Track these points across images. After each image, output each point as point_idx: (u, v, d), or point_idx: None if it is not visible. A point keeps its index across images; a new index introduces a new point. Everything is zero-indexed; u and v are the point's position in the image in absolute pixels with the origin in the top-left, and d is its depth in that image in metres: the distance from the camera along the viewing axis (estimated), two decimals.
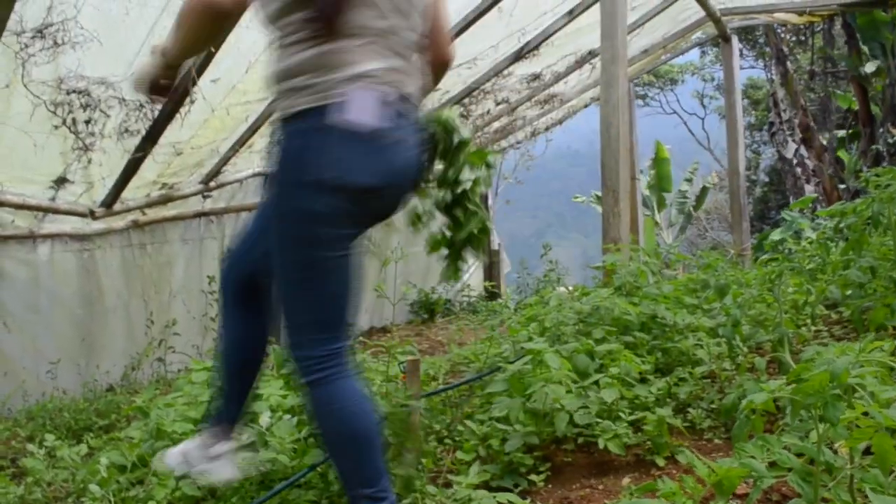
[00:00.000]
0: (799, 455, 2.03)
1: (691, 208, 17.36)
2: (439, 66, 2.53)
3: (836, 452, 2.13)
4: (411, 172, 2.25)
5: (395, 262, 7.18)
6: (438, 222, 2.69)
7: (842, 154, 13.01)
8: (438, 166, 2.56)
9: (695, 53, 21.15)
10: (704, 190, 17.72)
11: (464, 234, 2.67)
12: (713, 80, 23.06)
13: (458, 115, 2.60)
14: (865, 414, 1.90)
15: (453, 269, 2.82)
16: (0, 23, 3.69)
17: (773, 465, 2.00)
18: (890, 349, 2.02)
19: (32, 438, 4.48)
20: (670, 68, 21.34)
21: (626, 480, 3.03)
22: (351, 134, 2.08)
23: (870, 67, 11.47)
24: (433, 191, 2.62)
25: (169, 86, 2.38)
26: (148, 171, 5.89)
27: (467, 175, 2.61)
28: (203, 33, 2.19)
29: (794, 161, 12.89)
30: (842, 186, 12.46)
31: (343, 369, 2.23)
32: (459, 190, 2.61)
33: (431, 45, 2.44)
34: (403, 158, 2.20)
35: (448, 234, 2.72)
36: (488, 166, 2.75)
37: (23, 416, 5.20)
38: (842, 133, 13.75)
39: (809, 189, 12.54)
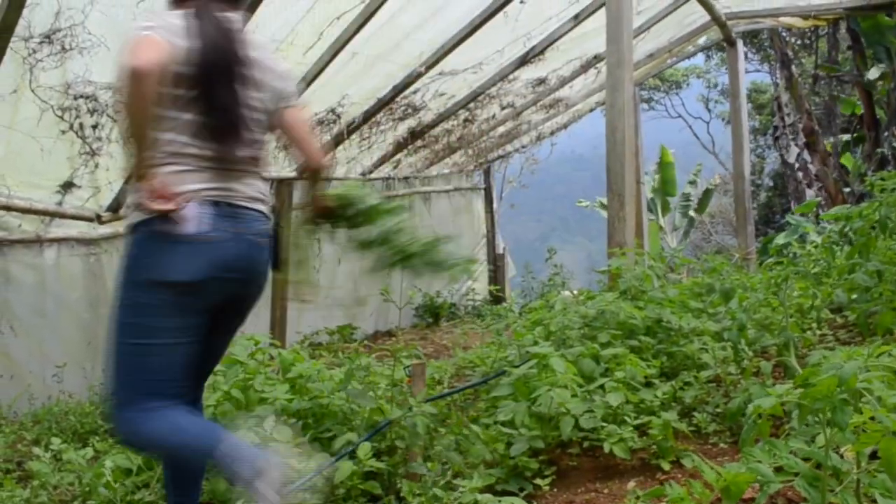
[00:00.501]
0: (805, 460, 2.03)
1: (695, 211, 17.34)
2: (311, 172, 2.99)
3: (842, 457, 2.13)
4: (242, 264, 2.61)
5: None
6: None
7: (846, 159, 12.98)
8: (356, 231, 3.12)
9: (700, 57, 21.13)
10: (708, 192, 17.71)
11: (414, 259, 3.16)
12: (717, 85, 23.05)
13: (358, 188, 3.20)
14: (872, 418, 1.90)
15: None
16: (8, 28, 3.71)
17: (779, 469, 2.00)
18: None
19: (38, 442, 4.49)
20: (675, 72, 21.33)
21: (631, 484, 3.03)
22: (174, 239, 2.47)
23: (874, 73, 11.45)
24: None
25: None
26: None
27: (381, 231, 3.12)
28: (135, 100, 2.33)
29: (797, 165, 12.87)
30: (846, 190, 12.44)
31: (158, 414, 2.54)
32: (382, 241, 3.13)
33: (300, 154, 2.94)
34: (226, 254, 2.56)
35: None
36: (392, 211, 3.21)
37: (29, 419, 5.21)
38: (846, 137, 13.73)
39: (811, 194, 12.52)
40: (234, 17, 2.69)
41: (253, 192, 2.73)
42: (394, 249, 3.16)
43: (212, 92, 2.55)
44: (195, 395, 2.81)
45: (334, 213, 3.12)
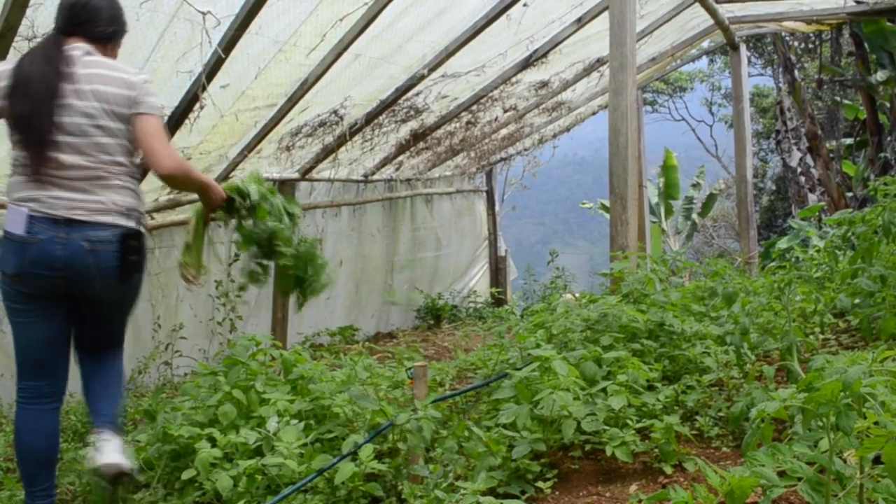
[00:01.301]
0: (809, 464, 2.02)
1: (697, 215, 17.35)
2: (163, 178, 3.19)
3: (845, 461, 2.12)
4: (63, 263, 3.01)
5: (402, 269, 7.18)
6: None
7: (847, 166, 12.97)
8: (248, 223, 3.46)
9: (703, 61, 21.15)
10: (711, 197, 17.72)
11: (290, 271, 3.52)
12: (720, 89, 23.06)
13: (254, 181, 3.47)
14: (876, 423, 1.89)
15: (301, 298, 3.67)
16: (11, 28, 3.71)
17: (783, 474, 1.99)
18: None
19: None
20: (679, 75, 21.34)
21: (633, 488, 3.02)
22: (7, 237, 3.02)
23: (880, 76, 11.46)
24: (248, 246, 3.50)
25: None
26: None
27: (268, 227, 3.43)
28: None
29: (799, 170, 12.87)
30: (849, 195, 12.44)
31: (30, 402, 3.16)
32: (266, 238, 3.45)
33: (149, 164, 3.17)
34: (44, 254, 2.99)
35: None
36: (291, 216, 3.54)
37: None
38: (849, 141, 13.73)
39: (813, 198, 12.52)
40: (70, 45, 3.13)
41: (93, 202, 3.07)
42: (263, 251, 3.51)
43: (18, 113, 3.02)
44: (64, 367, 3.29)
45: (228, 204, 3.44)
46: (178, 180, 3.25)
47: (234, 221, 3.54)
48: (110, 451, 3.06)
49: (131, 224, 3.13)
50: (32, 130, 3.01)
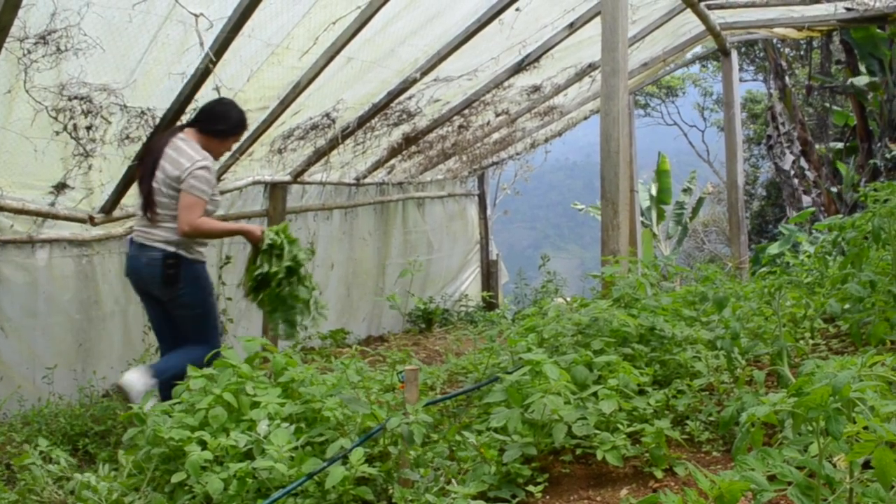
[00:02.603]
0: (799, 468, 2.03)
1: (688, 220, 17.40)
2: (182, 235, 4.44)
3: (835, 466, 2.13)
4: (132, 271, 4.65)
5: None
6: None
7: (840, 166, 13.03)
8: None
9: (695, 65, 21.21)
10: (700, 200, 17.78)
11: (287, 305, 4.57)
12: (712, 94, 23.13)
13: (278, 231, 4.58)
14: (865, 428, 1.90)
15: (288, 329, 4.61)
16: (3, 28, 3.70)
17: (773, 478, 2.00)
18: (892, 364, 2.02)
19: (28, 443, 4.46)
20: (673, 78, 21.40)
21: (623, 492, 3.03)
22: None
23: (862, 80, 11.52)
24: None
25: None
26: None
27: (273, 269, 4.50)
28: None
29: (792, 172, 12.93)
30: (838, 199, 12.50)
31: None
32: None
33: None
34: (129, 265, 4.66)
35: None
36: (294, 261, 4.55)
37: (18, 421, 5.18)
38: (839, 145, 13.80)
39: (808, 200, 12.57)
40: (180, 134, 4.57)
41: (151, 234, 4.52)
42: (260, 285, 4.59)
43: (140, 174, 4.59)
44: (170, 346, 4.72)
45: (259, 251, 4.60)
46: (194, 236, 4.48)
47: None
48: (128, 373, 4.40)
49: (167, 250, 4.48)
50: (140, 187, 4.54)
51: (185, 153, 4.40)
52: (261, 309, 4.79)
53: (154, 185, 4.42)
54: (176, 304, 4.54)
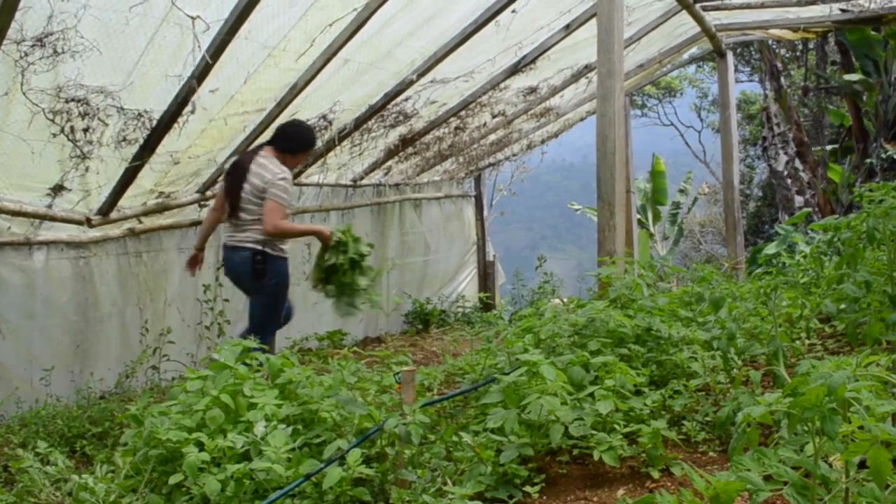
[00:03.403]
0: (795, 468, 2.04)
1: (684, 220, 17.42)
2: (267, 234, 5.24)
3: (831, 466, 2.14)
4: (227, 267, 5.49)
5: (388, 272, 7.17)
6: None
7: (833, 172, 13.05)
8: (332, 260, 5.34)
9: (692, 66, 21.22)
10: (694, 200, 17.80)
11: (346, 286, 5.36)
12: (707, 95, 23.16)
13: (345, 232, 5.45)
14: (861, 428, 1.91)
15: (350, 310, 5.41)
16: (0, 31, 3.70)
17: (768, 478, 2.01)
18: (887, 364, 2.03)
19: (25, 445, 4.46)
20: (671, 78, 21.42)
21: (620, 492, 3.04)
22: None
23: (853, 77, 11.55)
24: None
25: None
26: (145, 179, 5.90)
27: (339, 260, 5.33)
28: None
29: (785, 173, 12.94)
30: (834, 199, 12.53)
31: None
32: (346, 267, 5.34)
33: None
34: (225, 263, 5.48)
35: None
36: (357, 254, 5.41)
37: (16, 422, 5.17)
38: (833, 146, 13.83)
39: (800, 201, 12.59)
40: (261, 152, 5.38)
41: (240, 237, 5.35)
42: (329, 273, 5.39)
43: (228, 188, 5.38)
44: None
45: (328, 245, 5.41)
46: (277, 236, 5.28)
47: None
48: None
49: (256, 248, 5.28)
50: (229, 201, 5.33)
51: (268, 168, 5.22)
52: (328, 296, 5.45)
53: (242, 195, 5.24)
54: (260, 292, 5.36)
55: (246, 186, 5.22)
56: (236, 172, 5.31)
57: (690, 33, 9.30)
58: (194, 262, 5.82)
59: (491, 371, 4.20)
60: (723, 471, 2.12)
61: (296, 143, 5.48)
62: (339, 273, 5.31)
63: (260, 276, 5.28)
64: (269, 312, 5.44)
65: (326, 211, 8.78)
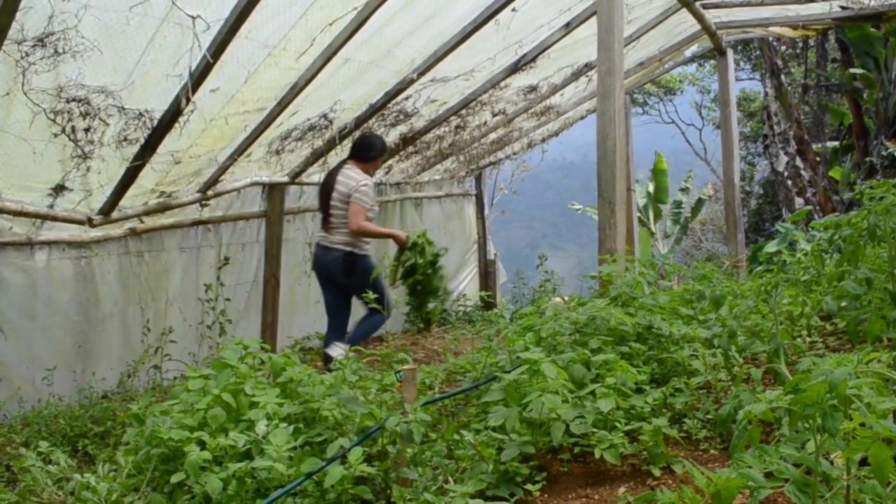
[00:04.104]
0: (796, 465, 2.04)
1: (686, 219, 17.40)
2: (353, 233, 6.09)
3: (832, 463, 2.14)
4: (318, 264, 6.36)
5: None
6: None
7: (834, 171, 13.04)
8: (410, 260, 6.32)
9: (693, 64, 21.19)
10: (700, 201, 17.77)
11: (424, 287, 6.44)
12: (709, 92, 23.14)
13: (421, 237, 6.41)
14: (862, 424, 1.91)
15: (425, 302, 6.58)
16: (1, 31, 3.70)
17: (769, 475, 2.01)
18: (888, 361, 2.03)
19: (28, 445, 4.47)
20: (670, 77, 21.40)
21: (621, 490, 3.04)
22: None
23: (854, 71, 11.54)
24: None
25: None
26: (146, 179, 5.90)
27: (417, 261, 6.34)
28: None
29: (786, 173, 12.94)
30: (835, 198, 12.52)
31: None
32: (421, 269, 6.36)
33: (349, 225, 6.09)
34: (315, 261, 6.40)
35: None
36: (434, 255, 6.40)
37: (18, 422, 5.19)
38: (834, 144, 13.81)
39: (800, 202, 12.58)
40: (345, 164, 6.30)
41: (331, 239, 6.20)
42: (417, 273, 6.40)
43: (320, 199, 6.33)
44: (338, 320, 6.43)
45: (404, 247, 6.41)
46: (360, 234, 6.09)
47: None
48: (332, 348, 6.17)
49: (346, 249, 6.13)
50: (321, 209, 6.28)
51: (352, 177, 6.11)
52: (409, 293, 6.52)
53: (332, 202, 6.10)
54: (355, 287, 6.12)
55: (334, 195, 6.08)
56: (327, 184, 6.22)
57: (690, 31, 9.30)
58: None
59: (492, 369, 4.21)
60: (724, 468, 2.12)
61: (370, 151, 6.33)
62: (419, 273, 6.30)
63: (350, 273, 6.10)
64: (377, 301, 5.88)
65: None
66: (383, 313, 5.88)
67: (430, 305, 6.53)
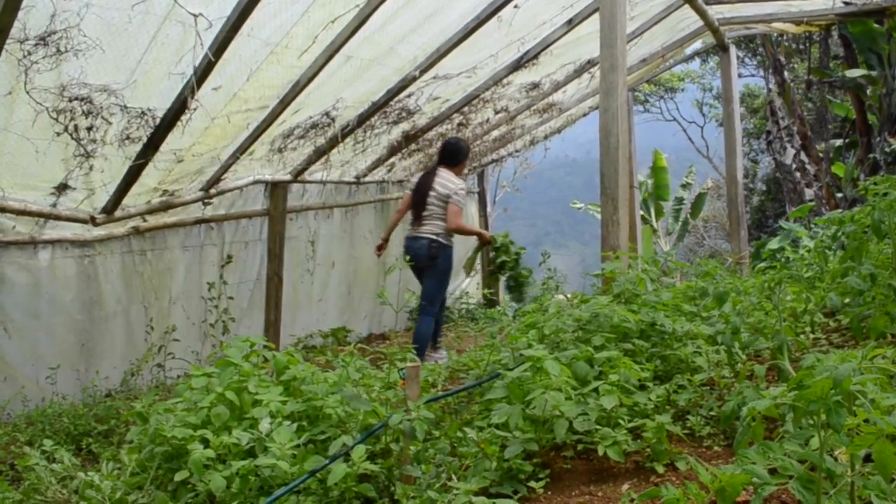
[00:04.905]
0: (800, 462, 2.03)
1: (688, 215, 17.38)
2: (450, 230, 6.91)
3: (836, 459, 2.14)
4: (410, 253, 6.73)
5: (399, 270, 7.21)
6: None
7: (837, 168, 13.01)
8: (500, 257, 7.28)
9: (696, 61, 21.16)
10: (701, 196, 17.74)
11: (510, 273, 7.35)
12: (712, 89, 23.10)
13: (505, 237, 7.35)
14: (866, 421, 1.91)
15: (518, 296, 7.41)
16: (3, 30, 3.70)
17: (774, 471, 2.01)
18: (892, 357, 2.03)
19: (32, 443, 4.48)
20: (671, 76, 21.36)
21: (625, 487, 3.03)
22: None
23: (856, 72, 11.51)
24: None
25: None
26: (149, 177, 5.90)
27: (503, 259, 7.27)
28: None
29: (794, 166, 12.90)
30: (839, 195, 12.49)
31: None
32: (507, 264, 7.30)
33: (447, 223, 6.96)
34: (407, 249, 6.95)
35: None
36: (516, 254, 7.30)
37: (22, 421, 5.20)
38: (838, 142, 13.78)
39: (809, 194, 12.55)
40: (437, 169, 7.08)
41: (421, 230, 6.96)
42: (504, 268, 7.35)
43: (414, 200, 7.14)
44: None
45: (490, 245, 7.36)
46: (457, 231, 6.99)
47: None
48: (434, 352, 7.07)
49: (433, 238, 6.90)
50: (415, 207, 7.02)
51: (450, 180, 6.98)
52: (507, 289, 7.52)
53: (428, 201, 6.94)
54: (431, 271, 6.96)
55: (432, 194, 6.92)
56: (422, 186, 7.05)
57: (693, 27, 9.28)
58: (381, 248, 7.58)
59: (495, 367, 4.21)
60: (728, 465, 2.12)
61: (458, 156, 7.21)
62: (507, 268, 7.28)
63: (434, 258, 6.89)
64: (438, 288, 7.09)
65: (330, 208, 8.79)
66: (441, 302, 7.17)
67: (527, 292, 7.32)
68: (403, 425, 3.10)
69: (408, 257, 6.27)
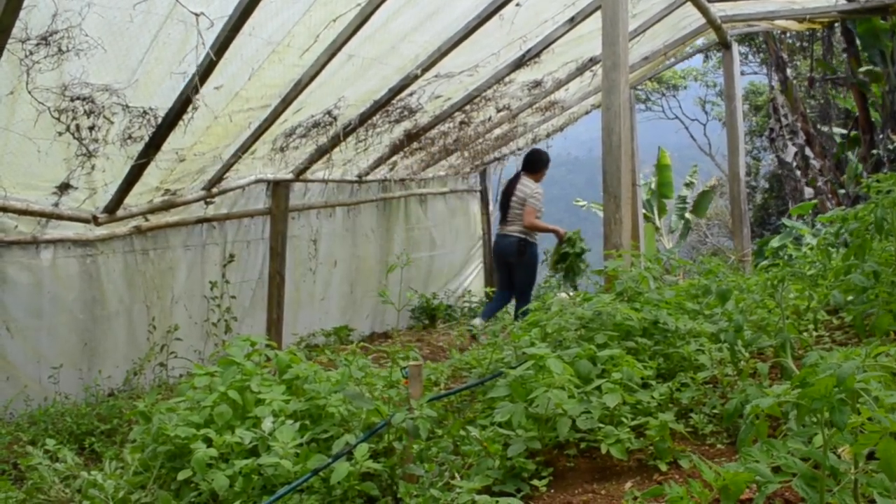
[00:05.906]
0: (804, 460, 2.03)
1: (691, 213, 17.34)
2: (525, 228, 8.10)
3: (840, 457, 2.13)
4: (497, 250, 8.46)
5: (400, 268, 7.21)
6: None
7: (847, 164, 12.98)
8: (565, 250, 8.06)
9: (698, 58, 21.08)
10: (704, 194, 17.69)
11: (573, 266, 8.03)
12: (715, 86, 23.04)
13: (576, 234, 8.10)
14: (870, 419, 1.90)
15: (575, 281, 8.12)
16: (4, 29, 3.70)
17: (777, 469, 2.00)
18: None
19: (34, 443, 4.48)
20: (673, 74, 21.30)
21: (628, 485, 3.03)
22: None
23: (863, 70, 11.49)
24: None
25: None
26: (151, 177, 5.90)
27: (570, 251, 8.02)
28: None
29: (794, 164, 12.87)
30: (841, 192, 12.47)
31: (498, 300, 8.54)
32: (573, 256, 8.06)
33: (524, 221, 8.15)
34: (495, 247, 8.67)
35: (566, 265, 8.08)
36: (583, 249, 8.01)
37: (25, 420, 5.20)
38: (842, 137, 13.75)
39: (809, 192, 12.53)
40: (520, 176, 8.34)
41: (509, 230, 8.18)
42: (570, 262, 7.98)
43: (501, 202, 8.60)
44: (504, 294, 8.40)
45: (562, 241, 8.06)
46: (532, 229, 8.03)
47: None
48: (475, 320, 8.00)
49: (520, 236, 8.00)
50: (502, 209, 8.25)
51: (528, 185, 8.15)
52: (565, 278, 8.10)
53: (511, 204, 8.08)
54: (520, 267, 8.08)
55: (514, 198, 8.09)
56: (507, 191, 8.27)
57: (695, 25, 9.26)
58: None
59: (498, 365, 4.20)
60: (731, 463, 2.11)
61: (538, 164, 8.34)
62: (570, 259, 7.91)
63: (521, 255, 8.00)
64: (528, 282, 8.20)
65: (332, 207, 8.79)
66: (529, 297, 7.97)
67: (577, 280, 8.05)
68: (406, 424, 3.09)
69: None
